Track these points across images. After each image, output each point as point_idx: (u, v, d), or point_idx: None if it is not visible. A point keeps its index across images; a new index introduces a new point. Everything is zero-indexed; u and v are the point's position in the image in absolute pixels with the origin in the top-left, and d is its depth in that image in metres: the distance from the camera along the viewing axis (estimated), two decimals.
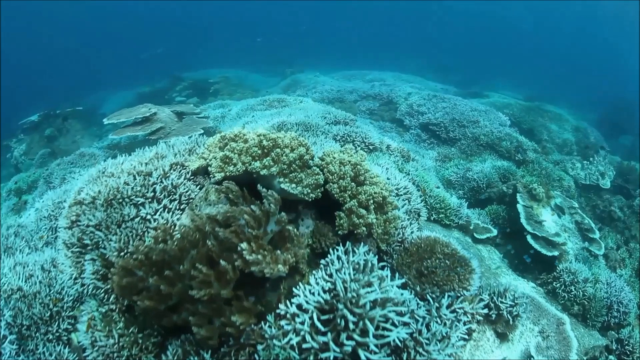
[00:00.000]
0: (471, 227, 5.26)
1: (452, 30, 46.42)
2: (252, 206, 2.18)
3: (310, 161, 2.88)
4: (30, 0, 36.66)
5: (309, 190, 2.47)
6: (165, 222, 2.81)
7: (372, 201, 2.75)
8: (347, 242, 2.52)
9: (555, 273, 5.06)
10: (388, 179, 4.50)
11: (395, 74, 16.05)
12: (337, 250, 2.52)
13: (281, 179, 2.47)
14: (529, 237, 5.15)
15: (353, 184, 2.73)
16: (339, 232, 2.63)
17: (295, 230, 2.33)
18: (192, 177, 3.16)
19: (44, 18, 42.94)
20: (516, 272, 5.27)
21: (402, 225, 3.46)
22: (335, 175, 2.72)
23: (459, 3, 45.18)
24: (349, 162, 2.88)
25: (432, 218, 4.98)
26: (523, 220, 5.25)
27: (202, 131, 6.17)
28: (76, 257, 2.95)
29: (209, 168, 2.69)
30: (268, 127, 5.70)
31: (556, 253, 5.09)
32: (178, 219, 2.85)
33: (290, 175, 2.49)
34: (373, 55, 28.50)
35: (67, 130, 11.55)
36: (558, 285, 4.94)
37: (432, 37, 44.16)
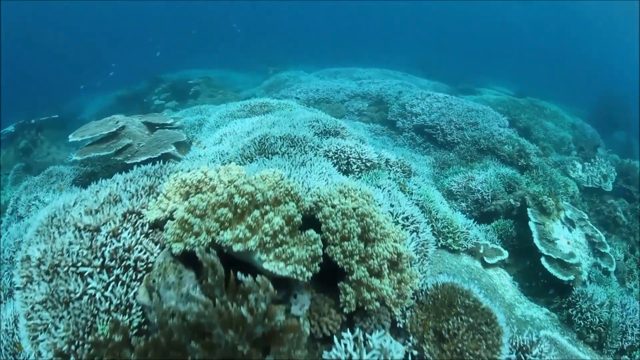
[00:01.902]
0: (480, 250, 4.76)
1: (438, 27, 46.12)
2: (237, 307, 1.55)
3: (301, 211, 2.26)
4: (30, 0, 34.61)
5: (304, 269, 1.82)
6: (118, 301, 2.16)
7: (385, 264, 2.16)
8: (356, 328, 1.93)
9: (570, 298, 4.66)
10: (392, 205, 3.93)
11: (382, 70, 15.40)
12: (344, 337, 1.92)
13: (264, 256, 1.80)
14: (543, 260, 4.71)
15: (361, 244, 2.12)
16: (345, 310, 2.04)
17: (293, 324, 1.71)
18: (150, 230, 2.50)
19: (35, 18, 40.65)
20: (528, 297, 4.83)
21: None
22: (337, 234, 2.11)
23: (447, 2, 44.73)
24: (354, 211, 2.25)
25: (439, 244, 4.45)
26: (536, 241, 4.79)
27: (173, 148, 5.48)
28: (32, 332, 2.34)
29: (164, 234, 2.04)
30: (248, 141, 5.03)
31: (572, 277, 4.67)
32: (135, 295, 2.20)
33: (277, 250, 1.83)
34: (357, 53, 27.99)
35: (42, 142, 10.68)
36: (574, 312, 4.53)
37: (417, 33, 43.83)
